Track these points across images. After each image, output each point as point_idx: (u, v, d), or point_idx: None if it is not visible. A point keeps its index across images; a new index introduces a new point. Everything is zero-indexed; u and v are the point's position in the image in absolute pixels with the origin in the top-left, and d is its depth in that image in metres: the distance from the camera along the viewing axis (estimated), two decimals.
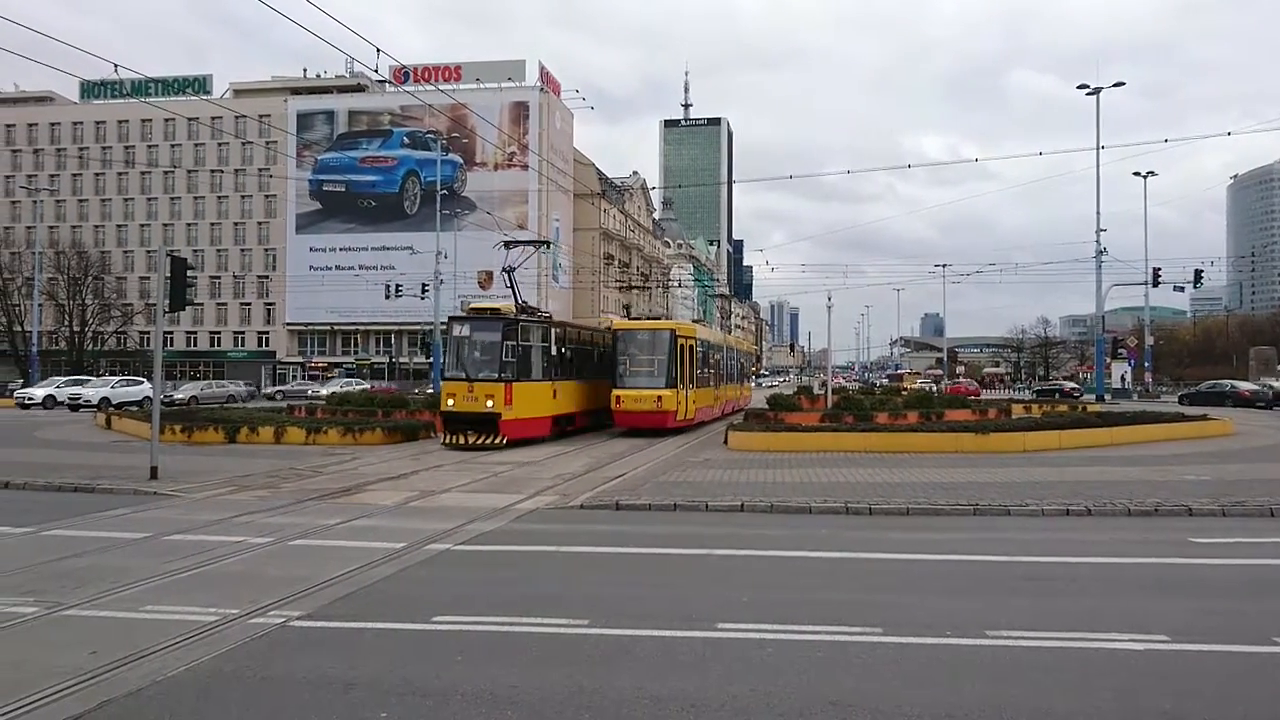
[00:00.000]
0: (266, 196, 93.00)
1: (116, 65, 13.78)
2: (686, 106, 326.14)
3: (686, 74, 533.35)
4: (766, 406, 30.82)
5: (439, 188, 61.80)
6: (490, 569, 9.25)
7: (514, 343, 22.93)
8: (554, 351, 24.88)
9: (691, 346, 28.28)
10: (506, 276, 25.18)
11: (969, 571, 9.04)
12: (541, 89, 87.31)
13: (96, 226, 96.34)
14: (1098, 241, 50.35)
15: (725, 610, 7.29)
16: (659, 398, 26.07)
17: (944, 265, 77.47)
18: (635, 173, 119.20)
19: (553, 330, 25.17)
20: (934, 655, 6.23)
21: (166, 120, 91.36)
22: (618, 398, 26.29)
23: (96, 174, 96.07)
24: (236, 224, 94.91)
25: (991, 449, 20.34)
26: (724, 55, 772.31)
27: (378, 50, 18.31)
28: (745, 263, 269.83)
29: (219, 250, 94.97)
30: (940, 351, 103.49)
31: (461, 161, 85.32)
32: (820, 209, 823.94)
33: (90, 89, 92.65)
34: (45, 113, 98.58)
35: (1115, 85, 48.27)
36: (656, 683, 5.64)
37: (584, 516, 12.37)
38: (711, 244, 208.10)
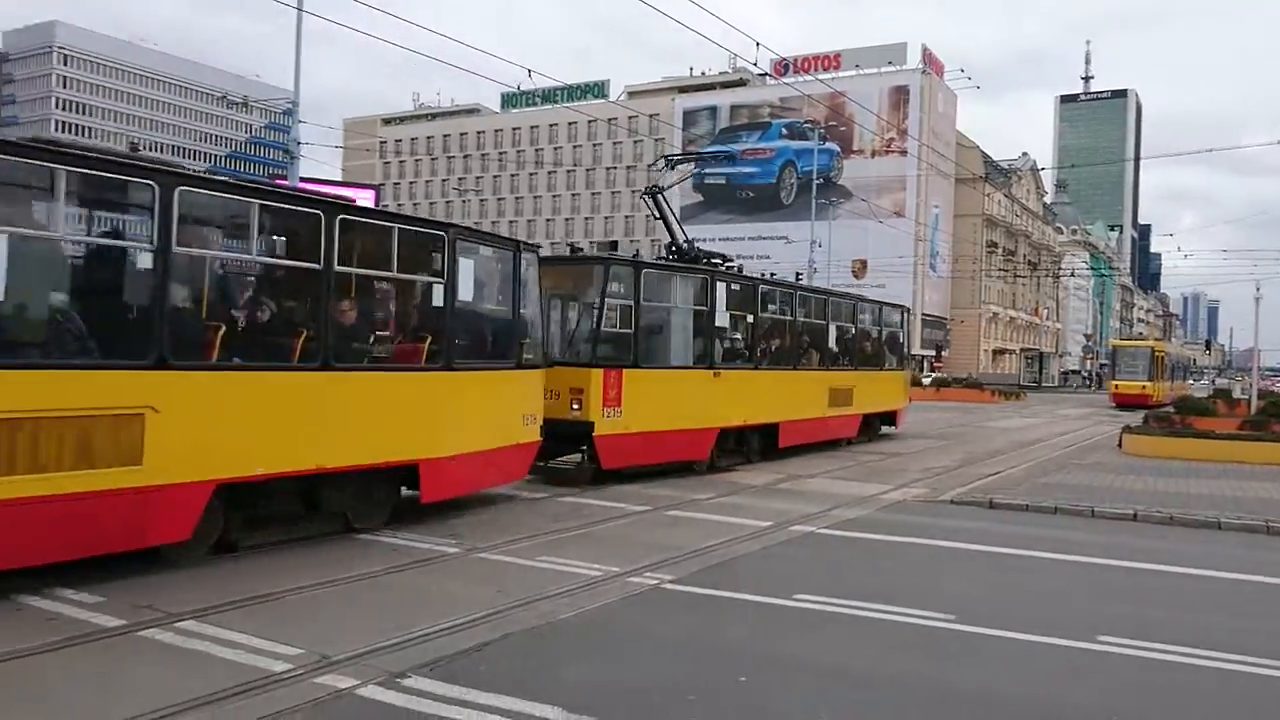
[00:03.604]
0: None
1: (530, 71, 15.51)
2: (1086, 79, 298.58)
3: (1088, 44, 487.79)
4: (1172, 410, 27.60)
5: (815, 177, 62.13)
6: (853, 554, 9.28)
7: None
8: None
9: (1161, 356, 45.76)
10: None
11: None
12: (924, 71, 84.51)
13: (510, 221, 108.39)
14: None
15: (1106, 623, 6.73)
16: (1144, 387, 42.71)
17: None
18: (1024, 154, 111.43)
19: None
20: None
21: (570, 124, 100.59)
22: (1116, 386, 44.17)
23: (512, 175, 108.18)
24: (627, 217, 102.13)
25: None
26: (1110, 15, 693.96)
27: (757, 44, 18.84)
28: (1152, 249, 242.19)
29: (611, 243, 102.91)
30: None
31: (838, 150, 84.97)
32: (1242, 185, 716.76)
33: (509, 99, 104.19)
34: (472, 123, 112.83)
35: None
36: (1022, 685, 5.40)
37: (952, 511, 11.95)
38: (1112, 229, 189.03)
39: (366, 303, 9.51)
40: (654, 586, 7.47)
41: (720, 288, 14.69)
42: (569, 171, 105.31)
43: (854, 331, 19.82)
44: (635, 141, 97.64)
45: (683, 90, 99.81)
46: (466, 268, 9.69)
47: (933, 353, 76.63)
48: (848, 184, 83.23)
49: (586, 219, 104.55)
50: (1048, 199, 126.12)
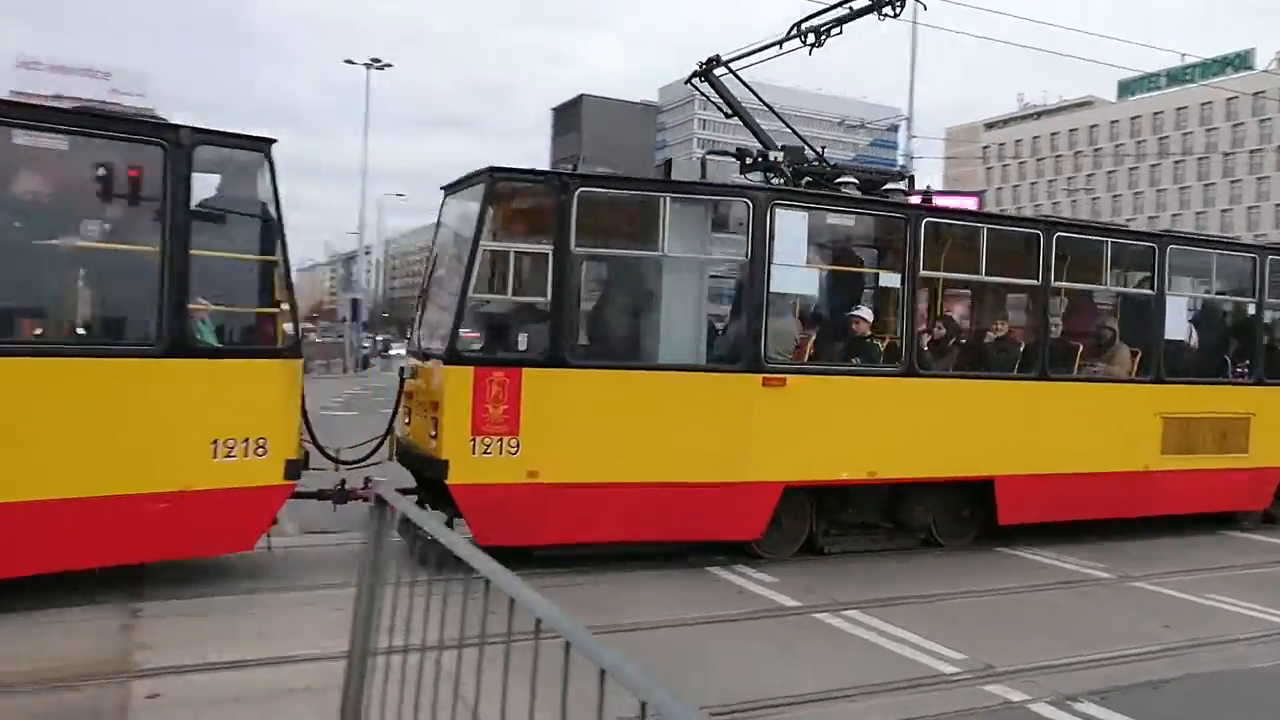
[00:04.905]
0: None
1: (1183, 55, 13.93)
2: None
3: None
4: None
5: None
6: None
7: None
8: None
9: None
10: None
11: None
12: None
13: (1128, 220, 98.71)
14: None
15: None
16: None
17: None
18: None
19: None
20: None
21: (1202, 104, 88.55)
22: None
23: (1131, 169, 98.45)
24: (1277, 206, 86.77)
25: None
26: None
27: None
28: None
29: (1255, 236, 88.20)
30: None
31: None
32: None
33: (1126, 86, 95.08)
34: (1082, 117, 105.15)
35: None
36: None
37: None
38: None
39: None
40: None
41: (788, 221, 7.65)
42: (1200, 159, 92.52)
43: (1246, 313, 10.42)
44: None
45: None
46: None
47: None
48: None
49: (1224, 211, 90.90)
50: None
